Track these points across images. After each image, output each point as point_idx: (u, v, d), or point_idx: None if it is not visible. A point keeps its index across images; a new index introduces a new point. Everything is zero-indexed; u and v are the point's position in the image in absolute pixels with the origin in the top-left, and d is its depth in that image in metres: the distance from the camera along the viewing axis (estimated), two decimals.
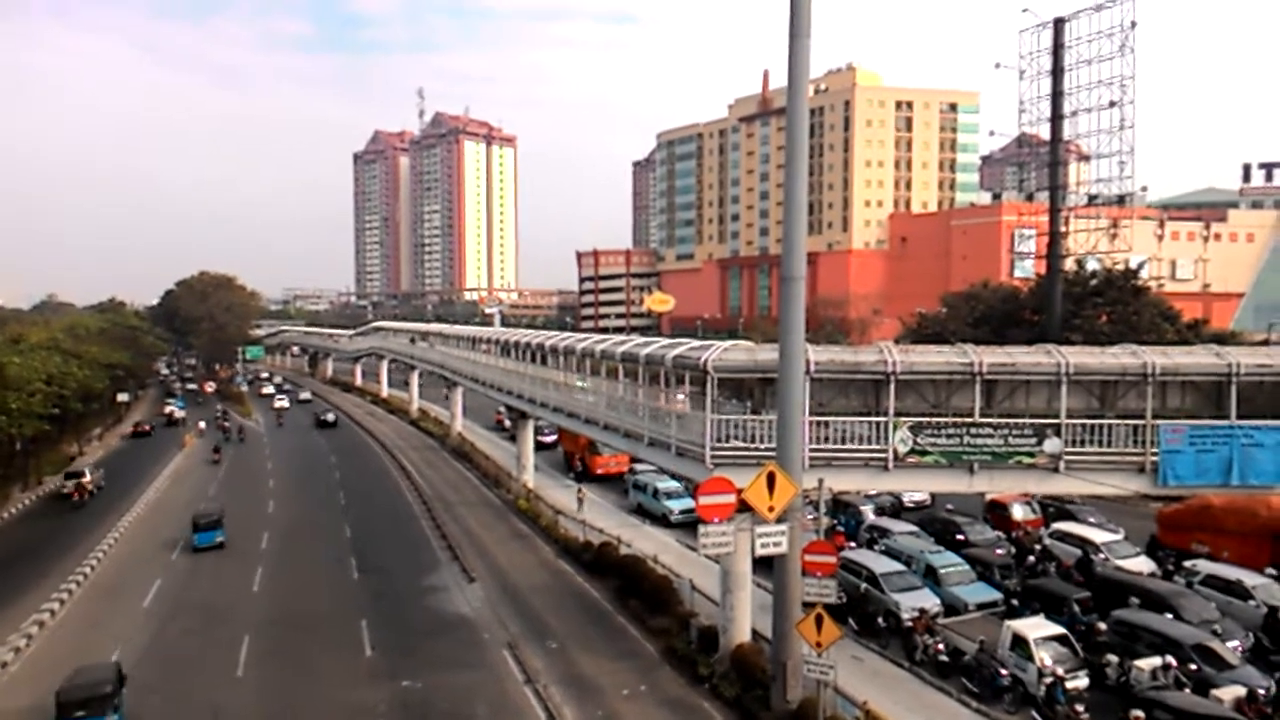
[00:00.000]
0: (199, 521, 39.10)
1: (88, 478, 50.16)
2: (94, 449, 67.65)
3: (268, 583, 33.49)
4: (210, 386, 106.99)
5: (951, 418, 23.13)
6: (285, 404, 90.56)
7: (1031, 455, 22.48)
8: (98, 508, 46.76)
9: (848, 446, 23.01)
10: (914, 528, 33.38)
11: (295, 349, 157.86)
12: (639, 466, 43.91)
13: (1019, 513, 35.64)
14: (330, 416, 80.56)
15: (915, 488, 32.92)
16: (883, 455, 22.67)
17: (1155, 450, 22.20)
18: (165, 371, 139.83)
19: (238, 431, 73.78)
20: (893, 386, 22.65)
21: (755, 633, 23.87)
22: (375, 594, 31.50)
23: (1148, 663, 20.86)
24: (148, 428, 76.56)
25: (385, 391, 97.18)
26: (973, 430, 22.52)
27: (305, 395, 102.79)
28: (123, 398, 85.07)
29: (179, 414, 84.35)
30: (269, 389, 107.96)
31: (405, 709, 22.28)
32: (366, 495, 48.91)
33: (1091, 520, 34.18)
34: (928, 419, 23.05)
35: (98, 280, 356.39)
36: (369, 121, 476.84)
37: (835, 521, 35.56)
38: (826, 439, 22.98)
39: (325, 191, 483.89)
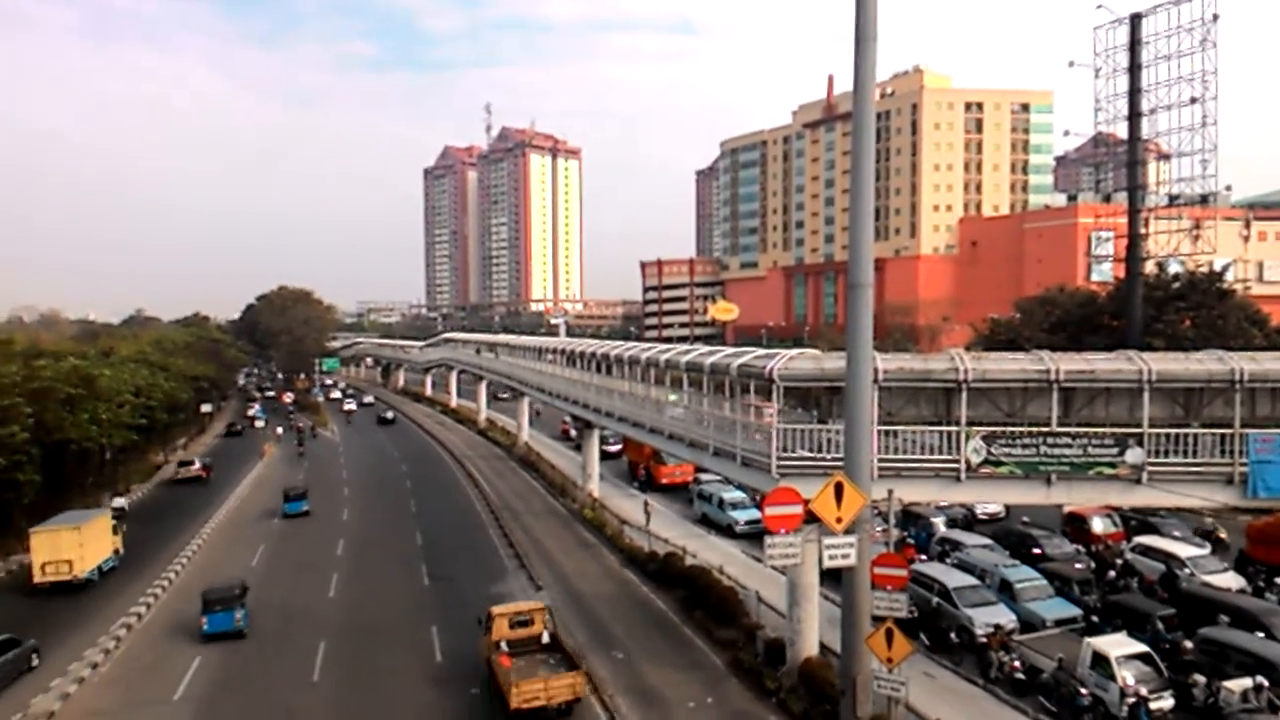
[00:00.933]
0: (289, 493, 47.74)
1: (197, 465, 60.68)
2: (178, 457, 70.29)
3: (343, 589, 34.33)
4: (288, 397, 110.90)
5: (1027, 427, 22.51)
6: (353, 406, 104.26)
7: (1113, 466, 21.69)
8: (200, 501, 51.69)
9: (918, 456, 22.55)
10: (988, 541, 32.55)
11: (369, 360, 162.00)
12: (704, 476, 43.77)
13: (1099, 526, 34.42)
14: (389, 415, 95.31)
15: (989, 499, 32.07)
16: (955, 466, 22.16)
17: (1244, 461, 21.20)
18: (244, 383, 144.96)
19: (310, 429, 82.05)
20: (964, 395, 22.13)
21: (823, 646, 23.55)
22: (445, 601, 31.99)
23: (1238, 684, 19.92)
24: (239, 428, 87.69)
25: (455, 402, 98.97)
26: (1050, 440, 21.85)
27: (368, 399, 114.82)
28: (206, 408, 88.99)
29: (260, 422, 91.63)
30: (336, 394, 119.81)
31: (474, 716, 22.56)
32: (436, 503, 49.78)
33: (1176, 534, 32.84)
34: (1002, 428, 22.47)
35: (182, 295, 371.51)
36: (438, 138, 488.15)
37: (905, 534, 34.88)
38: (896, 449, 22.54)
39: (397, 207, 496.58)
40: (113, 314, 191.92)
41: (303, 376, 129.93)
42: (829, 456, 22.51)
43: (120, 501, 48.18)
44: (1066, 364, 22.33)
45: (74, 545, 34.90)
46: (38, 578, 34.47)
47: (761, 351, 28.00)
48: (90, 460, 50.62)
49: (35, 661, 26.75)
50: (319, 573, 36.32)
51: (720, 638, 26.52)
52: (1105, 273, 75.90)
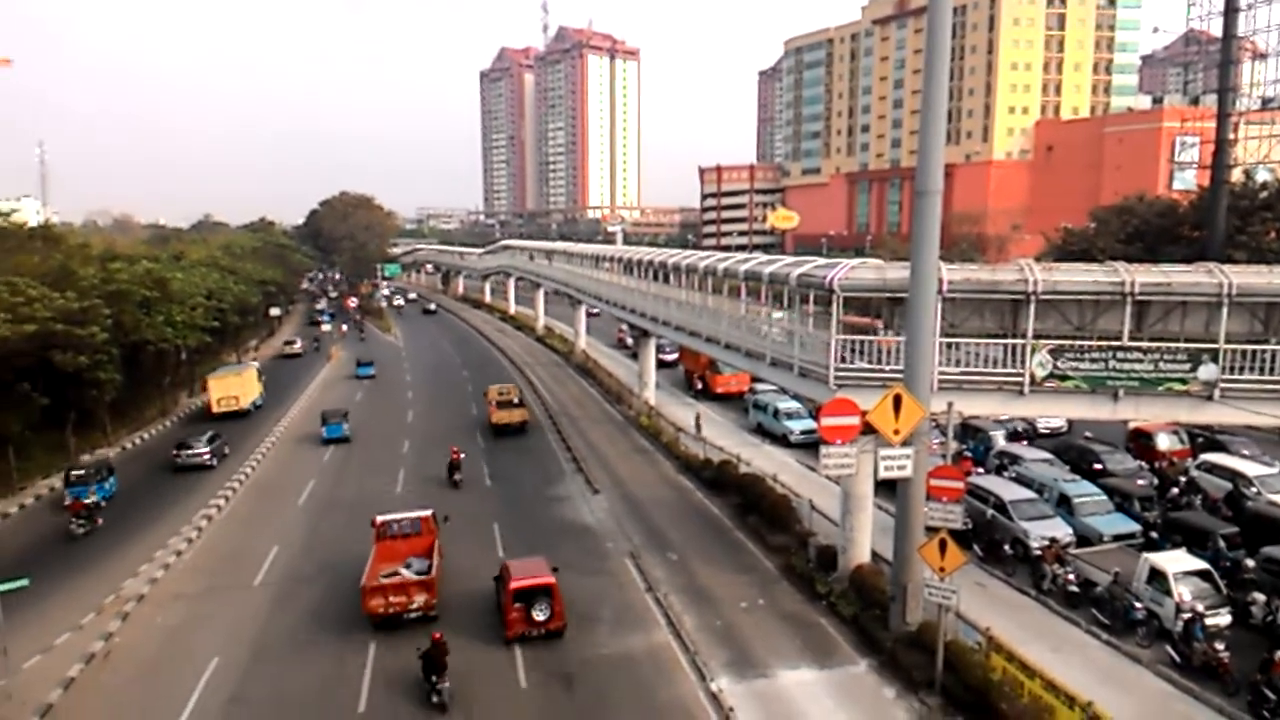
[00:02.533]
0: (360, 360, 64.53)
1: (298, 344, 76.72)
2: (251, 356, 72.74)
3: (408, 486, 35.66)
4: (352, 302, 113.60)
5: (1096, 341, 21.90)
6: (402, 302, 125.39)
7: (1184, 382, 21.09)
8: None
9: (980, 369, 22.19)
10: (1047, 455, 32.15)
11: (429, 267, 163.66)
12: (759, 386, 43.81)
13: (1165, 442, 33.72)
14: (431, 306, 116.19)
15: (1052, 414, 31.42)
16: (1018, 379, 21.77)
17: None
18: (309, 287, 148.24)
19: (361, 319, 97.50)
20: (1033, 307, 21.53)
21: (875, 554, 23.84)
22: (506, 500, 33.06)
23: None
24: (317, 320, 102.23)
25: (513, 309, 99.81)
26: (1120, 354, 21.26)
27: (413, 295, 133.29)
28: (275, 312, 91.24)
29: (326, 325, 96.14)
30: (386, 291, 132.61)
31: None
32: None
33: (1245, 452, 32.00)
34: (1070, 342, 21.90)
35: (247, 201, 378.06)
36: (495, 39, 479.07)
37: (963, 446, 34.66)
38: (957, 361, 22.21)
39: (455, 112, 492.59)
40: (182, 219, 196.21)
41: (366, 282, 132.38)
42: (888, 368, 22.32)
43: (255, 363, 61.22)
44: (1142, 276, 21.50)
45: (238, 385, 49.98)
46: (215, 408, 49.01)
47: (822, 261, 27.52)
48: (166, 360, 52.53)
49: (226, 450, 40.62)
50: (387, 471, 37.79)
51: (773, 543, 27.00)
52: (1188, 181, 72.29)
